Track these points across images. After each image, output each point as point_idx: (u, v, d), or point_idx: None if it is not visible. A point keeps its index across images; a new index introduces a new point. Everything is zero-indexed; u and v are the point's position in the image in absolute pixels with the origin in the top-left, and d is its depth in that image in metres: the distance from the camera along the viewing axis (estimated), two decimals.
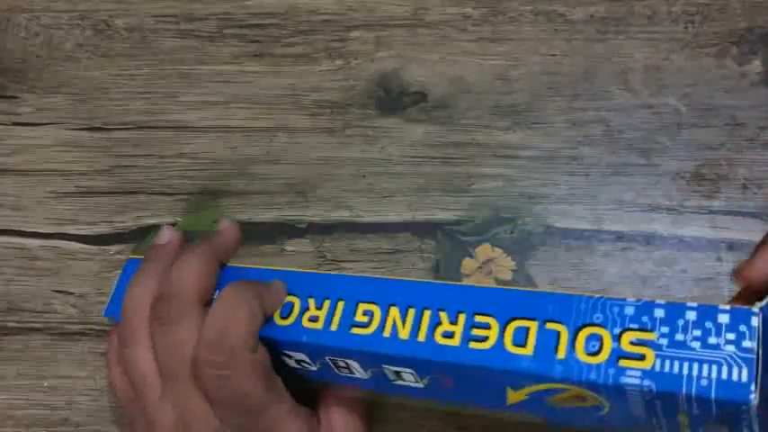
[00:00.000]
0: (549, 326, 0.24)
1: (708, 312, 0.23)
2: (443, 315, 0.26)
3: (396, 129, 0.41)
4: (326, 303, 0.29)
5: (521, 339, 0.24)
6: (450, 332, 0.25)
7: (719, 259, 0.37)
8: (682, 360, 0.22)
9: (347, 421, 0.32)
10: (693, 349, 0.22)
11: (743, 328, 0.22)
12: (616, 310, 0.24)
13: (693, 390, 0.22)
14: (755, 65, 0.40)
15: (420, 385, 0.27)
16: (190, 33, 0.44)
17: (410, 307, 0.27)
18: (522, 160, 0.40)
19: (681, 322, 0.23)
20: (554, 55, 0.41)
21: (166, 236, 0.35)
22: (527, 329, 0.24)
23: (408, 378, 0.27)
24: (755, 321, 0.22)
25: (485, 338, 0.25)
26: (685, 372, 0.22)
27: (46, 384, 0.39)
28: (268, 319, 0.29)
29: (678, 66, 0.40)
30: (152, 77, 0.44)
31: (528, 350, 0.24)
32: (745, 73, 0.40)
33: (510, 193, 0.39)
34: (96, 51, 0.44)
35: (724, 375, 0.21)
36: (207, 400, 0.29)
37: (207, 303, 0.31)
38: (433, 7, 0.43)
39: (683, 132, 0.39)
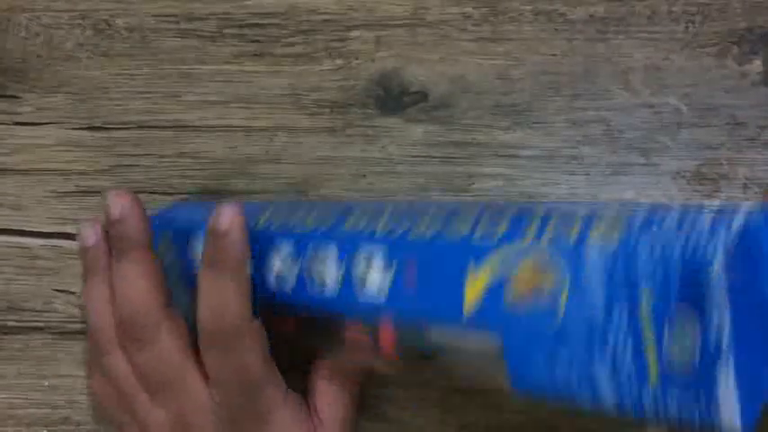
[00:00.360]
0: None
1: (692, 212, 0.21)
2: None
3: (396, 128, 0.41)
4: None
5: (495, 222, 0.24)
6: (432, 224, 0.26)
7: None
8: (653, 231, 0.20)
9: (334, 408, 0.32)
10: (668, 227, 0.20)
11: (731, 223, 0.20)
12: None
13: (659, 245, 0.20)
14: (756, 65, 0.40)
15: (383, 298, 0.26)
16: (190, 33, 0.44)
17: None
18: (523, 160, 0.40)
19: (661, 214, 0.21)
20: (554, 55, 0.41)
21: (90, 238, 0.33)
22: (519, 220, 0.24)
23: (375, 276, 0.26)
24: (739, 221, 0.20)
25: (462, 224, 0.24)
26: (654, 237, 0.20)
27: (46, 383, 0.39)
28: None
29: (678, 65, 0.40)
30: (152, 77, 0.44)
31: (501, 228, 0.23)
32: (745, 73, 0.40)
33: (510, 192, 0.39)
34: (96, 51, 0.44)
35: (693, 241, 0.19)
36: (204, 386, 0.29)
37: (170, 297, 0.30)
38: (433, 7, 0.43)
39: (683, 132, 0.39)
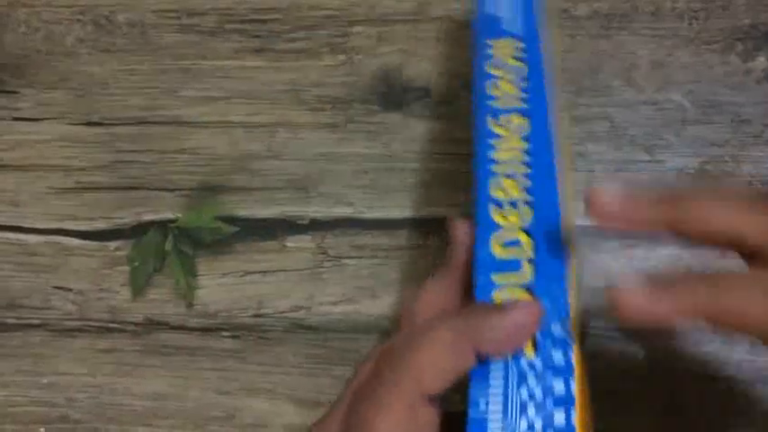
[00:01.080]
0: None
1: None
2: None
3: (398, 124, 0.41)
4: None
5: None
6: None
7: (724, 256, 0.36)
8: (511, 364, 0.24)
9: None
10: (524, 382, 0.24)
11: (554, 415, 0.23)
12: (561, 298, 0.25)
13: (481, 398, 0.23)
14: (760, 61, 0.40)
15: None
16: (191, 28, 0.44)
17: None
18: None
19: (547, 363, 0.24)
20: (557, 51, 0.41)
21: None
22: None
23: None
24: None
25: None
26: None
27: (45, 381, 0.39)
28: None
29: (682, 62, 0.40)
30: (152, 73, 0.43)
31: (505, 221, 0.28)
32: (749, 69, 0.40)
33: None
34: (96, 46, 0.44)
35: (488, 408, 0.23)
36: None
37: None
38: (436, 2, 0.43)
39: (687, 129, 0.39)
